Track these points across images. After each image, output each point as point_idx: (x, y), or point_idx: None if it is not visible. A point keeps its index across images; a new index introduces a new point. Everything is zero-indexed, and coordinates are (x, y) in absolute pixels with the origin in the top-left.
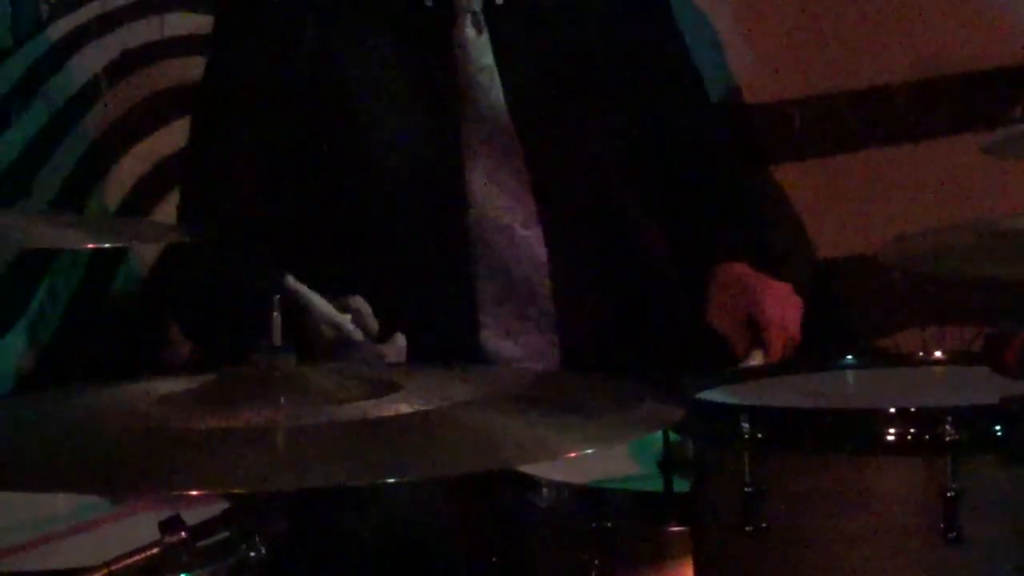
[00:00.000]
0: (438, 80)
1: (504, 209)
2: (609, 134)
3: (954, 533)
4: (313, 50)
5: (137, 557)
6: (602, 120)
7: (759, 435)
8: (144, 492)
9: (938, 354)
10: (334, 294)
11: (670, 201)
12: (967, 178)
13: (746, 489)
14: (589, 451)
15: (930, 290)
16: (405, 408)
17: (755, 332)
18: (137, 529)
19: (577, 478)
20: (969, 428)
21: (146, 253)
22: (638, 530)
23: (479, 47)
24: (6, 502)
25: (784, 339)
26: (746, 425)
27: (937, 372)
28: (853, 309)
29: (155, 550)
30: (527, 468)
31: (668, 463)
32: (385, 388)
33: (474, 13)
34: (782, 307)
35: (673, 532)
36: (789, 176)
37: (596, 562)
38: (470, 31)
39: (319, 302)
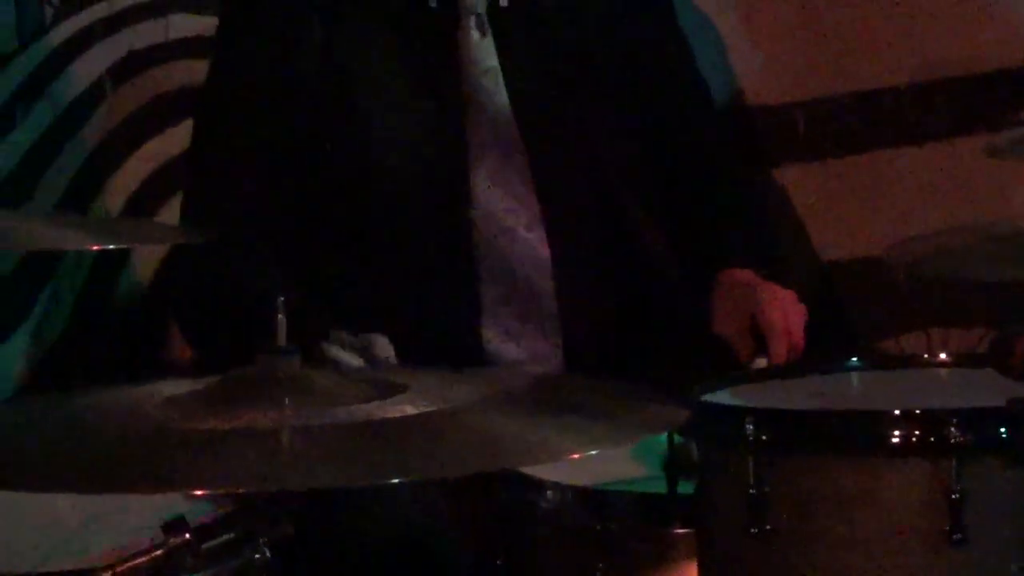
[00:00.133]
0: (442, 82)
1: (507, 211)
2: (613, 136)
3: (959, 535)
4: (317, 51)
5: (142, 559)
6: (606, 122)
7: (764, 437)
8: (147, 492)
9: (943, 356)
10: (356, 330)
11: (673, 204)
12: (971, 180)
13: (751, 491)
14: (593, 453)
15: (935, 292)
16: (409, 409)
17: (759, 339)
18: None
19: (581, 480)
20: (974, 430)
21: (151, 255)
22: (642, 532)
23: (483, 49)
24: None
25: (788, 346)
26: (751, 427)
27: (942, 374)
28: (857, 311)
29: (159, 552)
30: (531, 470)
31: (672, 465)
32: (389, 390)
33: (478, 15)
34: (786, 314)
35: (677, 534)
36: (792, 178)
37: (600, 564)
38: (474, 33)
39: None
